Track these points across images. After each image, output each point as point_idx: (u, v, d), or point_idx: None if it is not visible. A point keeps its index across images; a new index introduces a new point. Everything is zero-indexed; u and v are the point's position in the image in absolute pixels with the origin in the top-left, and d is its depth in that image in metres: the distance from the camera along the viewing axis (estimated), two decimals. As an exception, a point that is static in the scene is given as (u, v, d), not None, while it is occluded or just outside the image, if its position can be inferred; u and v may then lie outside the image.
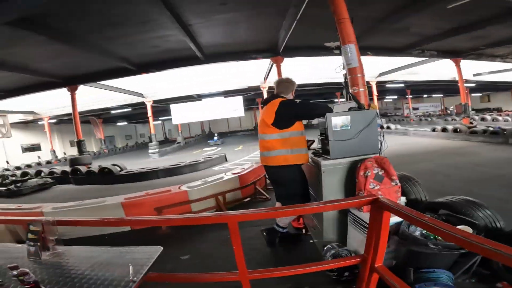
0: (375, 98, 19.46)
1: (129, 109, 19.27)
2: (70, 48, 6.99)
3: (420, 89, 27.14)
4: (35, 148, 22.18)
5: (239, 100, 18.55)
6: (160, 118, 29.73)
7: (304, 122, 2.66)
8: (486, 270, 1.93)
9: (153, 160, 15.15)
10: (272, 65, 11.36)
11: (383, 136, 2.46)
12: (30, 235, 1.70)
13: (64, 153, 22.18)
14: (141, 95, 15.89)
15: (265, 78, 14.89)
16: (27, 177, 10.00)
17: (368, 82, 18.63)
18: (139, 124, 37.08)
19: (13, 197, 8.10)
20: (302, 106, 2.49)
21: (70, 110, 11.59)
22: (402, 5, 6.84)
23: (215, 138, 23.80)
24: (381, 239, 1.62)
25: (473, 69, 16.92)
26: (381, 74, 17.27)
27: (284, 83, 2.72)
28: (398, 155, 8.08)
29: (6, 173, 11.81)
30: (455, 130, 10.78)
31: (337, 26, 3.48)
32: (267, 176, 2.89)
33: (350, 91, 3.10)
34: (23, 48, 6.75)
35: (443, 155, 7.59)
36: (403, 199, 2.50)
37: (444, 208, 2.32)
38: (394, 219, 2.19)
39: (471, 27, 8.49)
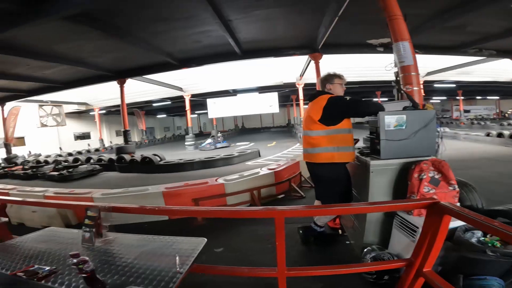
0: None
1: (169, 102, 20.17)
2: (121, 42, 7.45)
3: (473, 90, 24.78)
4: (85, 136, 24.30)
5: (274, 96, 18.51)
6: (196, 112, 30.79)
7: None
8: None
9: (189, 152, 15.72)
10: (309, 62, 11.13)
11: (441, 138, 2.28)
12: (87, 221, 1.73)
13: (111, 142, 24.06)
14: (180, 89, 16.54)
15: (301, 75, 14.64)
16: (78, 163, 10.93)
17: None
18: (177, 117, 38.81)
19: (64, 182, 8.70)
20: (352, 103, 2.37)
21: (117, 102, 12.49)
22: (458, 3, 6.32)
23: (210, 140, 16.76)
24: (436, 244, 1.56)
25: None
26: (429, 73, 16.04)
27: (324, 79, 2.61)
28: (448, 160, 7.48)
29: (59, 159, 13.00)
30: (510, 136, 9.67)
31: (388, 23, 3.35)
32: (308, 173, 2.80)
33: (403, 89, 2.92)
34: (81, 43, 7.34)
35: (498, 162, 6.87)
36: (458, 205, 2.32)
37: (502, 216, 2.18)
38: (454, 224, 2.06)
39: None
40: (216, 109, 19.57)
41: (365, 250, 2.29)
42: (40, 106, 16.37)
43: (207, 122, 36.87)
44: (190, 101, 17.66)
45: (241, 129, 34.85)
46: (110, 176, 9.59)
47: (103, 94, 16.33)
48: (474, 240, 1.84)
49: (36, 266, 1.44)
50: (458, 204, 2.31)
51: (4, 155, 14.21)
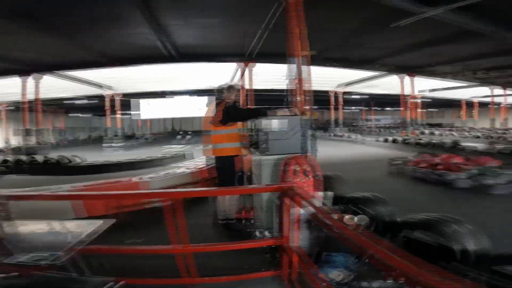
0: (340, 107, 20.68)
1: (96, 101, 18.67)
2: (43, 37, 6.95)
3: (382, 102, 29.17)
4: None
5: (205, 100, 18.72)
6: (128, 112, 28.88)
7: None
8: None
9: (117, 154, 14.79)
10: (242, 68, 11.79)
11: (315, 138, 2.95)
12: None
13: (19, 142, 20.69)
14: (109, 87, 15.58)
15: (232, 80, 15.28)
16: (-25, 165, 9.30)
17: (335, 92, 19.85)
18: (105, 117, 35.49)
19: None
20: (239, 109, 3.09)
21: (29, 98, 11.02)
22: (366, 22, 7.58)
23: None
24: (290, 222, 1.95)
25: (430, 85, 18.50)
26: (347, 85, 18.33)
27: (227, 89, 3.21)
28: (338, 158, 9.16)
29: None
30: (404, 141, 11.96)
31: (287, 39, 3.83)
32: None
33: (291, 99, 3.59)
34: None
35: (377, 162, 8.31)
36: (331, 194, 2.98)
37: (357, 202, 2.81)
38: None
39: (424, 45, 9.48)
40: (150, 110, 18.93)
41: (257, 233, 2.75)
42: None
43: (141, 123, 34.68)
44: (121, 100, 16.75)
45: (177, 131, 33.81)
46: (17, 179, 8.46)
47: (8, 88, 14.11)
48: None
49: None
50: (331, 193, 2.98)
51: None
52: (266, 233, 2.75)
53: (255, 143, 3.27)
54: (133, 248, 2.27)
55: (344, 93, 20.21)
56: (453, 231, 1.93)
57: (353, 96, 22.55)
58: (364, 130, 24.39)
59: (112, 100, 16.76)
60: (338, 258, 2.12)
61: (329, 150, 11.12)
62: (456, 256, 1.86)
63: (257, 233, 2.78)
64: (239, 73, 11.91)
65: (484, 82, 16.17)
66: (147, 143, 20.13)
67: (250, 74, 11.53)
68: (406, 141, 11.87)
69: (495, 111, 22.50)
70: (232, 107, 3.08)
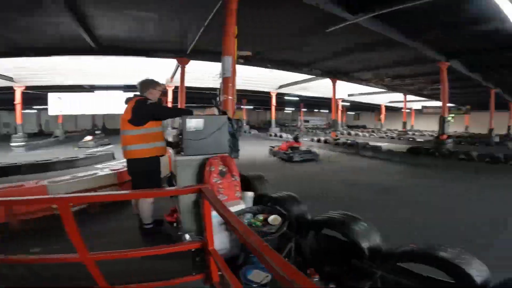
0: (273, 108, 21.57)
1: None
2: None
3: (311, 104, 31.54)
4: None
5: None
6: (34, 107, 24.66)
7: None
8: (300, 257, 2.38)
9: (17, 154, 12.47)
10: (177, 65, 11.25)
11: (237, 139, 2.92)
12: None
13: None
14: (10, 79, 12.96)
15: (172, 77, 14.50)
16: None
17: (269, 93, 20.56)
18: (4, 112, 29.45)
19: None
20: (153, 107, 2.78)
21: None
22: (302, 27, 7.93)
23: None
24: (207, 224, 1.92)
25: (349, 90, 20.60)
26: (281, 87, 19.05)
27: (142, 84, 2.95)
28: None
29: None
30: (325, 141, 13.21)
31: (222, 38, 3.79)
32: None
33: (217, 98, 3.52)
34: None
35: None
36: (251, 194, 2.99)
37: (275, 202, 2.87)
38: (235, 208, 2.62)
39: (346, 51, 10.41)
40: (63, 105, 16.53)
41: (182, 237, 2.59)
42: None
43: (52, 120, 29.92)
44: (24, 93, 14.10)
45: (102, 129, 30.23)
46: None
47: None
48: (245, 221, 2.34)
49: None
50: (251, 193, 2.97)
51: None
52: (187, 236, 2.64)
53: (174, 143, 3.09)
54: (24, 258, 1.96)
55: (280, 94, 21.07)
56: (354, 229, 2.08)
57: (288, 98, 23.73)
58: (295, 130, 26.02)
59: (11, 93, 13.98)
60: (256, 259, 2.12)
61: (258, 149, 11.64)
62: (362, 253, 1.99)
63: (182, 236, 2.64)
64: (177, 69, 11.30)
65: (389, 89, 18.83)
66: (57, 142, 17.47)
67: (183, 71, 11.05)
68: (327, 141, 13.17)
69: (399, 115, 26.66)
70: (143, 105, 2.74)
